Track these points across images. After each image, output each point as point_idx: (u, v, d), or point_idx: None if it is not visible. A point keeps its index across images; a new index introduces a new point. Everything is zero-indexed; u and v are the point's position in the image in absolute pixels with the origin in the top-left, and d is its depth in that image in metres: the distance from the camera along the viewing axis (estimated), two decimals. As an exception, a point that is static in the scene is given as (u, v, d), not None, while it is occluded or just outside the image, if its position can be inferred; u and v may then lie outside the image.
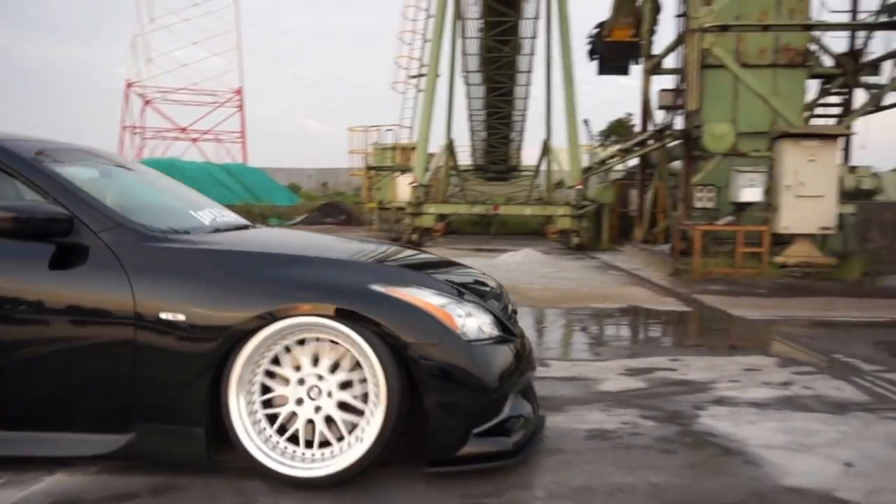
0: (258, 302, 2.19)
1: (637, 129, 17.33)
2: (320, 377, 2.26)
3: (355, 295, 2.24)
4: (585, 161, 18.69)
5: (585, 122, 28.80)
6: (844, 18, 13.82)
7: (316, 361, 2.28)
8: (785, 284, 8.56)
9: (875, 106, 13.38)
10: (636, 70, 16.48)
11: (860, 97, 13.76)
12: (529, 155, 26.87)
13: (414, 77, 18.47)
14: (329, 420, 2.26)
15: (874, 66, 13.75)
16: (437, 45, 16.86)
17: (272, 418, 2.28)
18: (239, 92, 42.51)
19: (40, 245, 2.22)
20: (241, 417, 2.21)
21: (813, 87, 14.71)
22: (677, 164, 12.65)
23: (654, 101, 14.44)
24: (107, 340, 2.20)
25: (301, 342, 2.27)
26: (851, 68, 13.77)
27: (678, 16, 13.29)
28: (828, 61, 14.29)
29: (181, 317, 2.15)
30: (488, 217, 18.62)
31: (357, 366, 2.26)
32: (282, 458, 2.23)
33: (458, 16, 19.47)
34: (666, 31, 18.28)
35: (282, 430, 2.28)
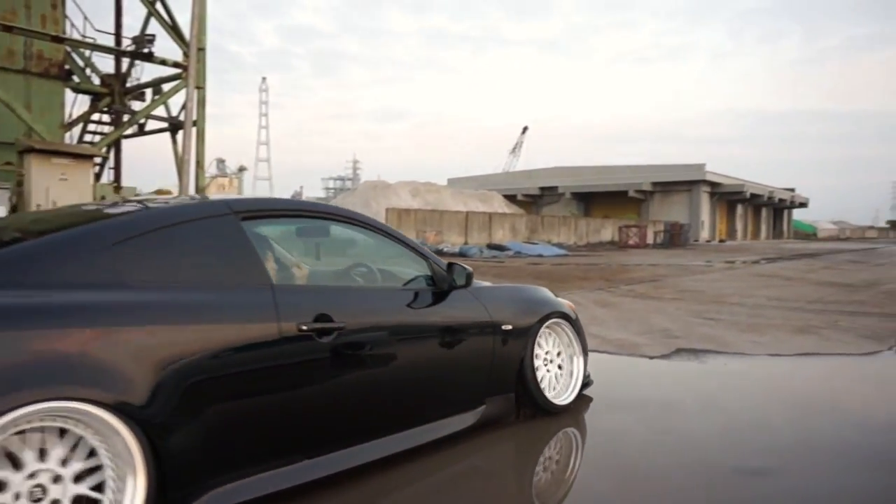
0: (537, 312, 3.60)
1: None
2: (551, 352, 3.77)
3: (554, 303, 3.83)
4: None
5: None
6: (111, 41, 14.18)
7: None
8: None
9: (139, 129, 14.18)
10: None
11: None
12: None
13: None
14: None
15: (141, 93, 14.57)
16: None
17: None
18: None
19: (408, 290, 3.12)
20: (538, 379, 3.52)
21: (86, 103, 14.59)
22: None
23: None
24: (485, 345, 3.29)
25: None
26: (119, 90, 14.19)
27: None
28: (96, 80, 14.35)
29: (509, 326, 3.37)
30: None
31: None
32: (558, 397, 3.67)
33: None
34: None
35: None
